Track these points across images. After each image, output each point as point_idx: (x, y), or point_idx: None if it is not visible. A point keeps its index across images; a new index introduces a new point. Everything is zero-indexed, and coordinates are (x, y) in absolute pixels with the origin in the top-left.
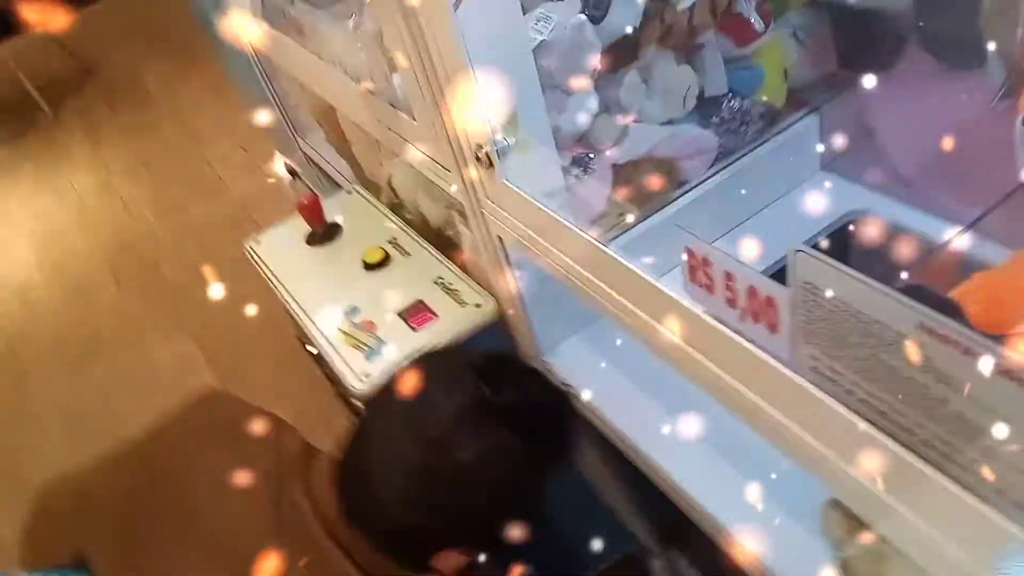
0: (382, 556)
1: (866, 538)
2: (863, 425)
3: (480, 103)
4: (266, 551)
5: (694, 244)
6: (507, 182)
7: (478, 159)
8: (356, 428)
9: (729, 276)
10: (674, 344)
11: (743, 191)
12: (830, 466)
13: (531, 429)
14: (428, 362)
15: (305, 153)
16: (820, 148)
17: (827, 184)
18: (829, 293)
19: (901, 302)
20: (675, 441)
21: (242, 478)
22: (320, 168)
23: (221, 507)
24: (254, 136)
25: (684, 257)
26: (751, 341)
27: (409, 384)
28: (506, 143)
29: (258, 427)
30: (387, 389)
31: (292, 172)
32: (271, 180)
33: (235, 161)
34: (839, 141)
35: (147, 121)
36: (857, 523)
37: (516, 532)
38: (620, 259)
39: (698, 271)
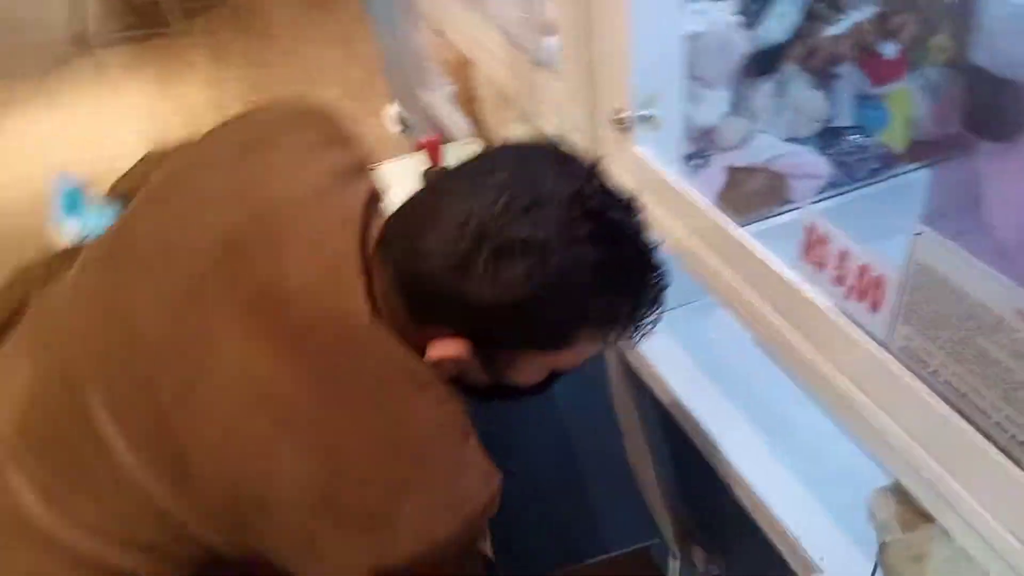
0: (395, 296)
1: (913, 533)
2: (943, 407)
3: (629, 72)
4: (291, 215)
5: (816, 221)
6: (640, 149)
7: (618, 122)
8: (442, 172)
9: (844, 255)
10: (773, 323)
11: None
12: (900, 446)
13: (613, 265)
14: (554, 146)
15: (424, 105)
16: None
17: None
18: (943, 274)
19: (1007, 286)
20: (738, 428)
21: (312, 161)
22: (438, 122)
23: (273, 171)
24: (365, 88)
25: (803, 234)
26: (851, 318)
27: (522, 152)
28: (648, 114)
29: (357, 145)
30: (496, 147)
31: (404, 123)
32: (382, 129)
33: (344, 109)
34: (945, 201)
35: (267, 54)
36: (909, 513)
37: (523, 374)
38: (746, 242)
39: (813, 248)
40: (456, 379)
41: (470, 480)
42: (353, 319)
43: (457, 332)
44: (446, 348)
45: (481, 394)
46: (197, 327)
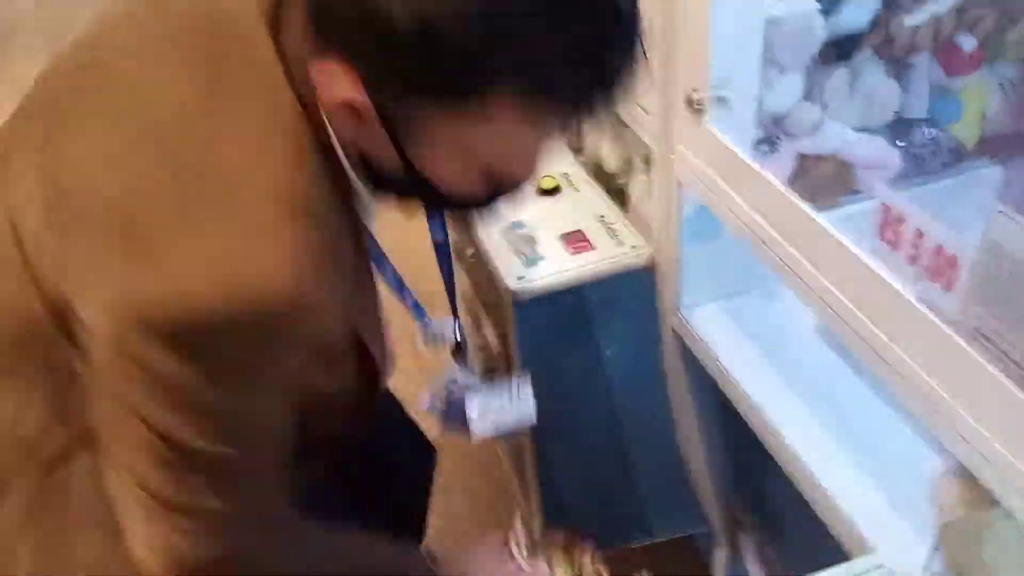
0: (306, 23)
1: (973, 515)
2: (1012, 388)
3: (708, 53)
4: None
5: (892, 200)
6: (713, 129)
7: (690, 103)
8: None
9: (919, 234)
10: (845, 305)
11: None
12: (966, 427)
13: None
14: None
15: None
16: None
17: None
18: (1016, 253)
19: None
20: (796, 414)
21: None
22: None
23: None
24: None
25: (880, 212)
26: (923, 300)
27: None
28: (723, 96)
29: None
30: None
31: None
32: None
33: None
34: (1017, 198)
35: None
36: (972, 495)
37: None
38: (821, 224)
39: (888, 227)
40: (368, 166)
41: (265, 254)
42: (230, 15)
43: (353, 68)
44: (336, 83)
45: (401, 189)
46: (115, 50)
